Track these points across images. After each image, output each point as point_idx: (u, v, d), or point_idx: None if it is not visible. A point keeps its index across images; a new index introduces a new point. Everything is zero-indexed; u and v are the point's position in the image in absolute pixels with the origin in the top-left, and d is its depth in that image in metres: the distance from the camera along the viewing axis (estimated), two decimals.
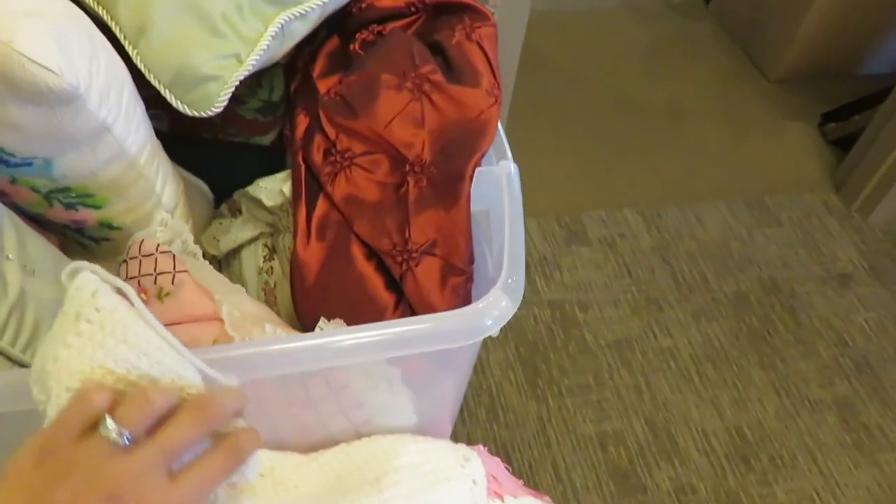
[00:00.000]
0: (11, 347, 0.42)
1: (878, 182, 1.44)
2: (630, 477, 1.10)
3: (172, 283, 0.49)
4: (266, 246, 0.63)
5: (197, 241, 0.60)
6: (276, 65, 0.63)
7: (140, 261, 0.50)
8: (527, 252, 1.36)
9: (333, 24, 0.63)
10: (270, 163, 0.67)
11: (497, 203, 0.53)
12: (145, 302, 0.46)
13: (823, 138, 1.67)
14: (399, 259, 0.52)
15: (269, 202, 0.59)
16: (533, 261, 1.36)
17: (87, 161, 0.47)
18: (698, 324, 1.29)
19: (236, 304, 0.49)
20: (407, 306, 0.53)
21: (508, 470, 0.64)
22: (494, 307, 0.46)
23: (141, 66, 0.50)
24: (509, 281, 0.48)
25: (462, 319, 0.46)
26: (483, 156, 0.56)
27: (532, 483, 1.06)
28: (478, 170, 0.54)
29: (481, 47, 0.59)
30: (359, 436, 0.51)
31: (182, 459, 0.36)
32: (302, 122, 0.58)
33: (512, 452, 1.10)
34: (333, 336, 0.44)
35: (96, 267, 0.37)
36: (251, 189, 0.61)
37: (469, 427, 1.14)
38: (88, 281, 0.36)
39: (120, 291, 0.38)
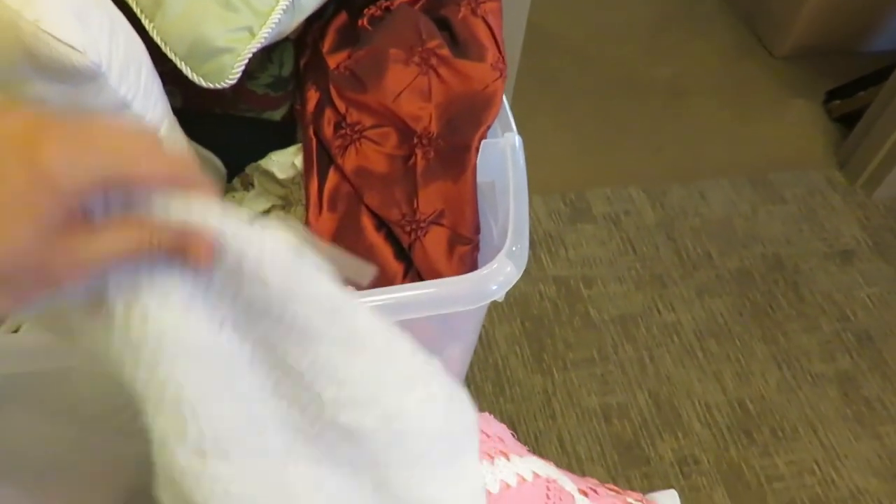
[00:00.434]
0: None
1: (882, 159, 1.45)
2: (633, 448, 1.12)
3: None
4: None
5: None
6: (285, 40, 0.64)
7: None
8: (532, 229, 1.38)
9: (342, 0, 0.64)
10: (281, 137, 0.69)
11: (502, 174, 0.55)
12: None
13: (828, 115, 1.67)
14: (408, 229, 0.54)
15: (281, 175, 0.61)
16: (538, 237, 1.38)
17: None
18: (702, 299, 1.31)
19: None
20: (416, 274, 0.54)
21: (514, 437, 0.66)
22: (499, 273, 0.48)
23: (157, 39, 0.51)
24: (514, 248, 0.49)
25: (469, 284, 0.48)
26: (489, 128, 0.57)
27: (538, 454, 1.08)
28: (483, 142, 0.56)
29: (486, 22, 0.60)
30: None
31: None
32: (312, 96, 0.60)
33: (518, 425, 1.13)
34: None
35: None
36: (263, 162, 0.62)
37: (476, 400, 1.15)
38: None
39: None
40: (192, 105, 0.66)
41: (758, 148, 1.60)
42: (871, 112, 1.47)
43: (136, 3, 0.52)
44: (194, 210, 0.32)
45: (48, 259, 0.29)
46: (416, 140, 0.55)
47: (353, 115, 0.56)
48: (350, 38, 0.62)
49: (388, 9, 0.62)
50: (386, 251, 0.55)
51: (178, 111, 0.59)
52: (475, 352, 1.12)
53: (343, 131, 0.56)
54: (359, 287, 0.42)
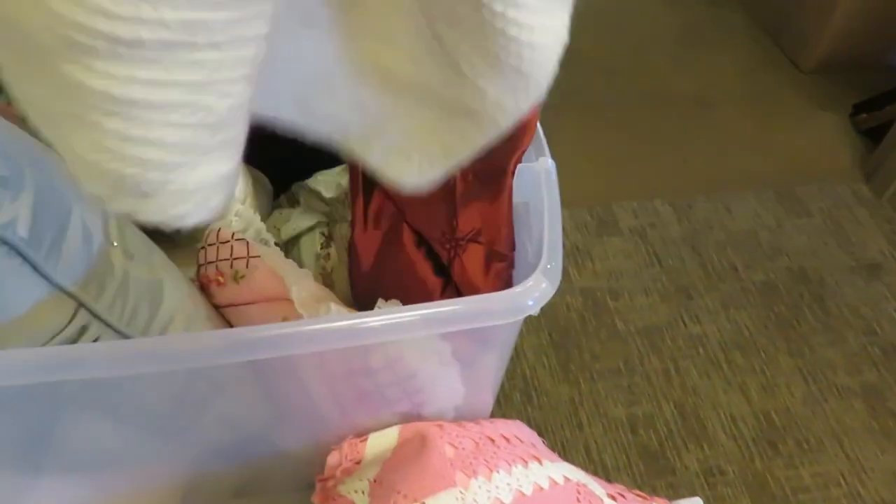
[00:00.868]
0: (118, 322, 0.49)
1: None
2: (659, 458, 1.14)
3: (246, 266, 0.55)
4: (323, 234, 0.69)
5: None
6: None
7: (217, 247, 0.56)
8: None
9: None
10: (325, 158, 0.73)
11: (536, 196, 0.58)
12: (222, 284, 0.52)
13: (855, 128, 1.67)
14: (447, 246, 0.58)
15: (327, 194, 0.65)
16: (565, 250, 1.40)
17: None
18: (727, 311, 1.33)
19: (303, 286, 0.55)
20: (454, 289, 0.58)
21: (544, 443, 0.69)
22: (535, 289, 0.51)
23: None
24: (548, 266, 0.53)
25: (506, 300, 0.51)
26: (523, 153, 0.61)
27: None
28: (519, 166, 0.59)
29: None
30: (412, 405, 0.57)
31: None
32: None
33: (545, 433, 1.15)
34: (392, 313, 0.49)
35: None
36: (310, 182, 0.66)
37: (504, 409, 1.19)
38: None
39: None
40: None
41: (783, 161, 1.61)
42: None
43: None
44: None
45: None
46: None
47: None
48: None
49: None
50: (426, 266, 0.59)
51: None
52: None
53: None
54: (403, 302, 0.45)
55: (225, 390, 0.56)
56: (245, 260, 0.55)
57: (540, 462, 0.55)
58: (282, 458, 0.64)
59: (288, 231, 0.69)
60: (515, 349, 1.25)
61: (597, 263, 1.39)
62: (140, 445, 0.60)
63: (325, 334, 0.48)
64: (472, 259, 0.57)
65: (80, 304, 0.47)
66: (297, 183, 0.70)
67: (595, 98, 1.73)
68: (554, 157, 0.60)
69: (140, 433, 0.58)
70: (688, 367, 1.25)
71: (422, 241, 0.59)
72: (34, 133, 0.44)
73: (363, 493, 0.54)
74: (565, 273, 1.38)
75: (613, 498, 0.56)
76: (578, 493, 0.54)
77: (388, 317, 0.49)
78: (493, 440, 0.56)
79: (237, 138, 0.36)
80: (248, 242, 0.56)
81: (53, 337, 0.46)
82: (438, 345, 0.54)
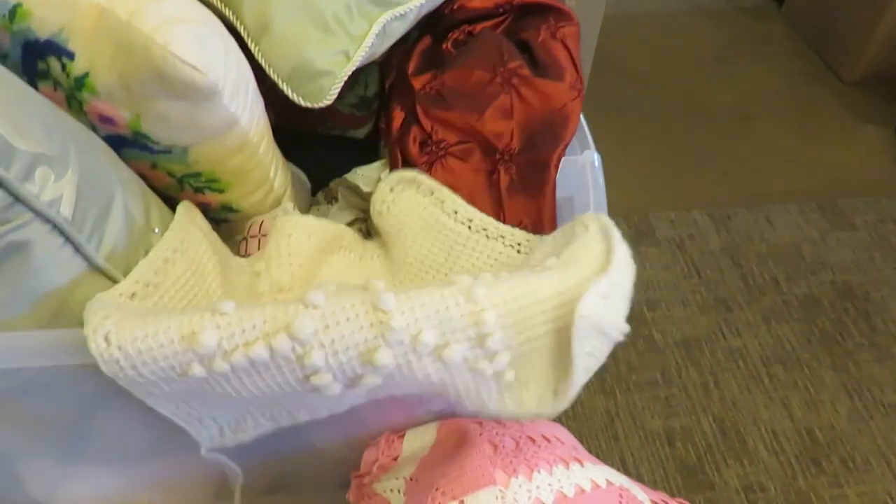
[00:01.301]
0: None
1: None
2: (698, 473, 1.11)
3: None
4: (360, 230, 0.68)
5: None
6: (371, 63, 0.68)
7: (259, 239, 0.56)
8: None
9: (425, 25, 0.68)
10: (363, 154, 0.73)
11: (581, 190, 0.57)
12: None
13: None
14: None
15: (366, 188, 0.64)
16: None
17: (216, 150, 0.53)
18: (768, 325, 1.29)
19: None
20: None
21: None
22: None
23: (262, 61, 0.56)
24: None
25: None
26: (566, 146, 0.60)
27: None
28: (563, 159, 0.58)
29: (565, 45, 0.63)
30: (447, 404, 0.55)
31: None
32: (398, 116, 0.63)
33: (580, 443, 1.13)
34: None
35: None
36: (349, 176, 0.66)
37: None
38: None
39: None
40: (281, 122, 0.71)
41: (826, 173, 1.57)
42: None
43: (244, 28, 0.56)
44: None
45: None
46: (498, 156, 0.58)
47: (439, 133, 0.59)
48: (434, 60, 0.65)
49: (470, 33, 0.66)
50: None
51: None
52: None
53: (429, 148, 0.59)
54: None
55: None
56: None
57: (581, 464, 0.53)
58: (316, 455, 0.63)
59: None
60: None
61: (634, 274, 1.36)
62: (174, 437, 0.59)
63: None
64: None
65: None
66: (336, 179, 0.70)
67: (634, 110, 1.72)
68: None
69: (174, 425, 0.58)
70: (727, 381, 1.21)
71: None
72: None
73: (399, 491, 0.53)
74: None
75: None
76: (621, 496, 0.52)
77: None
78: (533, 440, 0.54)
79: None
80: None
81: None
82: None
